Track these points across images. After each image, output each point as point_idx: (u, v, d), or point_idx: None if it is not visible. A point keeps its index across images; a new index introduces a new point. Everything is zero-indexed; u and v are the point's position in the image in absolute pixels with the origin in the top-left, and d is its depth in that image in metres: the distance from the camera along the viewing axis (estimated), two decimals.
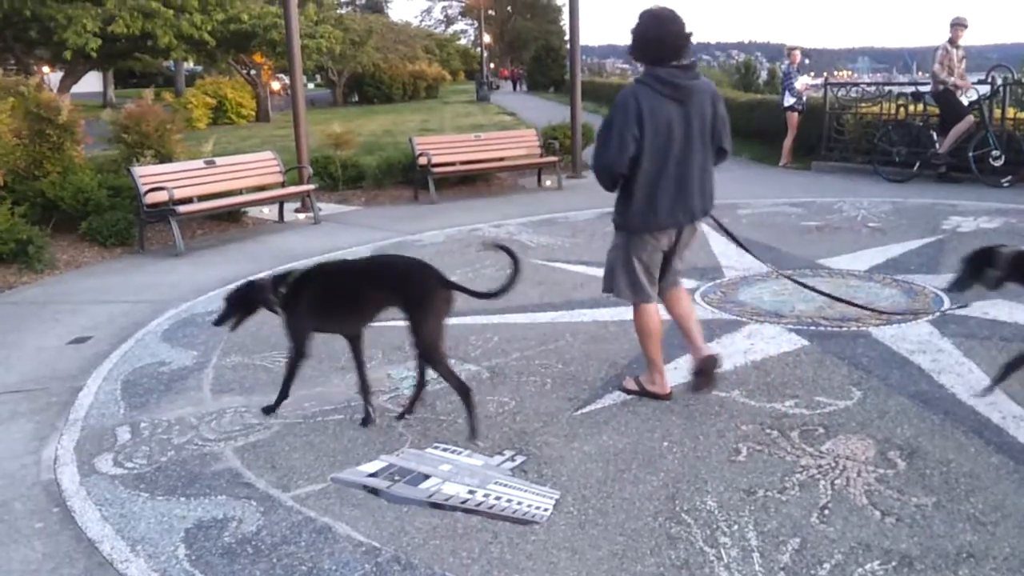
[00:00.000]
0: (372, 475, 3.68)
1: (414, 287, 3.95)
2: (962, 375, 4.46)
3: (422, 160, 11.37)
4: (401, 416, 4.26)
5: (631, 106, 3.88)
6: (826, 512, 3.23)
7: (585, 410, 4.27)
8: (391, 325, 5.78)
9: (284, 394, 4.36)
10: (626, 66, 63.55)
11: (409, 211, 10.88)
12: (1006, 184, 10.34)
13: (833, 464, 3.59)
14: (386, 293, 4.03)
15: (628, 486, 3.50)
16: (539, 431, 4.05)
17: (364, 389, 4.26)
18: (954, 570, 2.84)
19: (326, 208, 10.87)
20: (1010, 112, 10.95)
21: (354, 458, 3.86)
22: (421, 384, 4.28)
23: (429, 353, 3.95)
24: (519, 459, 3.77)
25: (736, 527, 3.15)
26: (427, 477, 3.63)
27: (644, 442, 3.88)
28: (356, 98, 41.47)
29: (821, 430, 3.91)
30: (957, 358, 4.70)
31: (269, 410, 4.38)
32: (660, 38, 3.92)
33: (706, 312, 5.73)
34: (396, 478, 3.64)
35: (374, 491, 3.54)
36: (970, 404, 4.11)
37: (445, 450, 3.89)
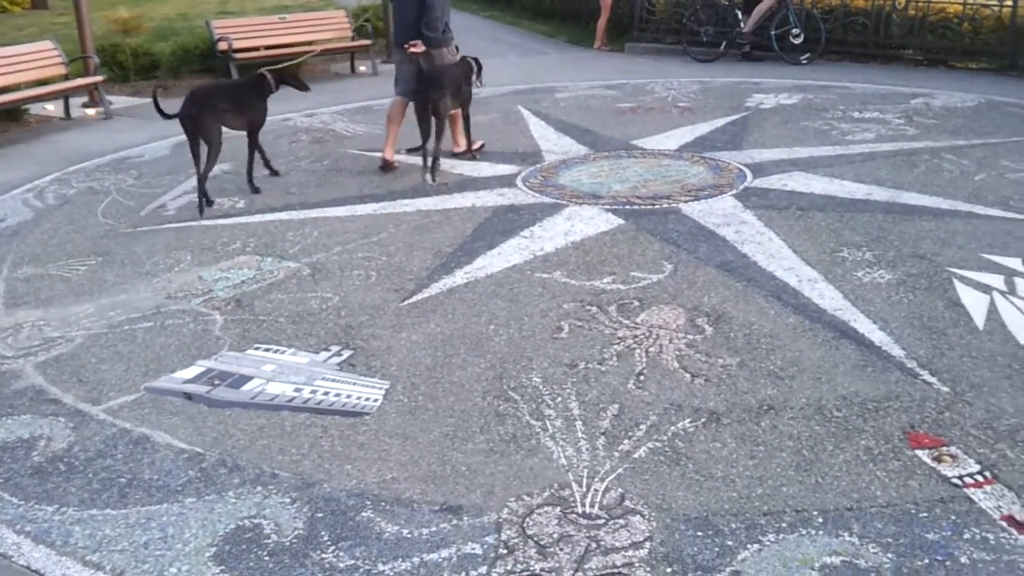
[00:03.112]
0: (189, 381, 3.52)
1: None
2: (762, 244, 4.76)
3: (222, 45, 10.60)
4: None
5: None
6: (642, 378, 3.41)
7: (411, 300, 4.25)
8: (203, 224, 5.50)
9: None
10: None
11: None
12: (805, 61, 10.91)
13: (647, 334, 3.78)
14: None
15: (457, 370, 3.54)
16: (365, 324, 4.00)
17: None
18: (757, 421, 3.09)
19: (118, 101, 9.97)
20: None
21: (168, 366, 3.68)
22: None
23: None
24: (346, 353, 3.72)
25: (560, 399, 3.28)
26: (249, 378, 3.52)
27: (471, 327, 3.92)
28: None
29: (636, 303, 4.09)
30: (758, 228, 5.01)
31: None
32: None
33: (528, 196, 5.77)
34: (216, 382, 3.50)
35: (193, 397, 3.40)
36: (770, 270, 4.40)
37: (267, 350, 3.78)
